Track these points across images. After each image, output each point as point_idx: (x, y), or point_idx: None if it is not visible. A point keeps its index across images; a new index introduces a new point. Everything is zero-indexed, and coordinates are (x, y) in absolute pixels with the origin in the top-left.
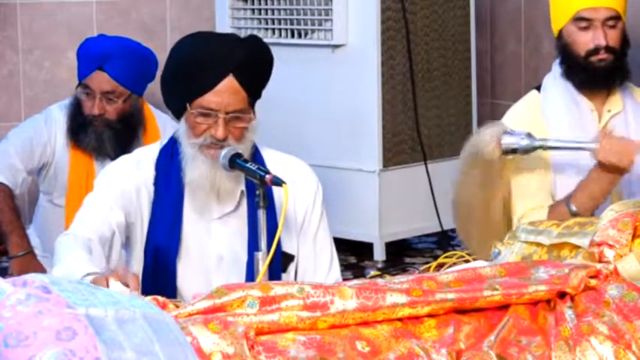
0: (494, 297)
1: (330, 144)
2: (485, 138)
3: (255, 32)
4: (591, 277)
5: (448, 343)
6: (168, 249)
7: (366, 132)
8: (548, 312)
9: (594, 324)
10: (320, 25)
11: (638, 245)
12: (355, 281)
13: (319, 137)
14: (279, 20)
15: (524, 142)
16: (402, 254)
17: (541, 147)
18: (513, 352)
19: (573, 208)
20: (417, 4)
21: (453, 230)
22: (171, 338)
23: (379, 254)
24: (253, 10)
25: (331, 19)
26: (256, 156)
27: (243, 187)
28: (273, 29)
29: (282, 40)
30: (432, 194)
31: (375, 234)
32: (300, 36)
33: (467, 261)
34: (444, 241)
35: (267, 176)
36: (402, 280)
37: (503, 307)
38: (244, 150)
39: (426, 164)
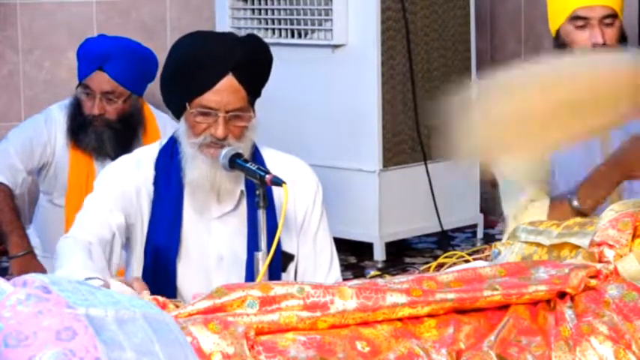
0: (494, 297)
1: (330, 144)
2: None
3: (255, 32)
4: (591, 277)
5: (448, 343)
6: (168, 249)
7: (366, 132)
8: (548, 312)
9: (594, 324)
10: (320, 25)
11: (638, 245)
12: (355, 281)
13: (319, 137)
14: (279, 20)
15: None
16: (402, 254)
17: None
18: (513, 352)
19: (575, 202)
20: (417, 4)
21: (453, 230)
22: (171, 338)
23: (379, 254)
24: (253, 10)
25: (331, 19)
26: (256, 155)
27: (242, 186)
28: (273, 29)
29: (282, 40)
30: (432, 194)
31: (375, 234)
32: (300, 36)
33: (467, 261)
34: (444, 241)
35: (267, 176)
36: (402, 280)
37: (503, 307)
38: (244, 149)
39: (426, 164)
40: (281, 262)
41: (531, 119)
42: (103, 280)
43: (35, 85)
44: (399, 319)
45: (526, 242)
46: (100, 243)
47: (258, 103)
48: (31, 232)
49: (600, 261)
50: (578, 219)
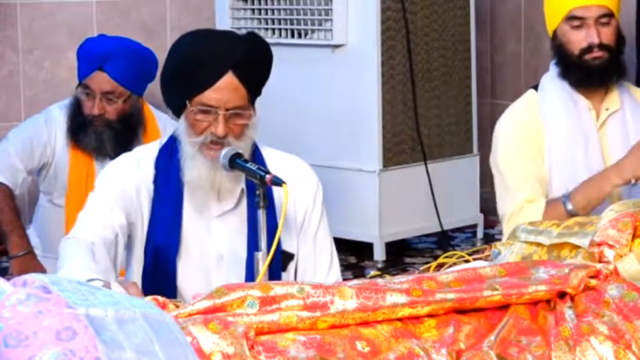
0: (494, 297)
1: (330, 144)
2: None
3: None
4: (591, 277)
5: (448, 343)
6: (168, 248)
7: (366, 132)
8: (548, 312)
9: (594, 324)
10: (320, 25)
11: (638, 245)
12: (355, 281)
13: (319, 137)
14: (279, 20)
15: None
16: (402, 254)
17: None
18: (513, 352)
19: (569, 206)
20: (417, 4)
21: (453, 230)
22: (171, 338)
23: (379, 254)
24: (253, 10)
25: (331, 19)
26: (256, 155)
27: (243, 185)
28: (273, 29)
29: (282, 40)
30: (432, 194)
31: (375, 234)
32: (300, 36)
33: (467, 261)
34: (444, 241)
35: (267, 176)
36: (402, 280)
37: (503, 307)
38: (244, 148)
39: (426, 164)
40: (281, 261)
41: None
42: (104, 282)
43: (35, 85)
44: (399, 319)
45: (526, 242)
46: (104, 243)
47: (258, 103)
48: (31, 232)
49: (600, 261)
50: (579, 219)
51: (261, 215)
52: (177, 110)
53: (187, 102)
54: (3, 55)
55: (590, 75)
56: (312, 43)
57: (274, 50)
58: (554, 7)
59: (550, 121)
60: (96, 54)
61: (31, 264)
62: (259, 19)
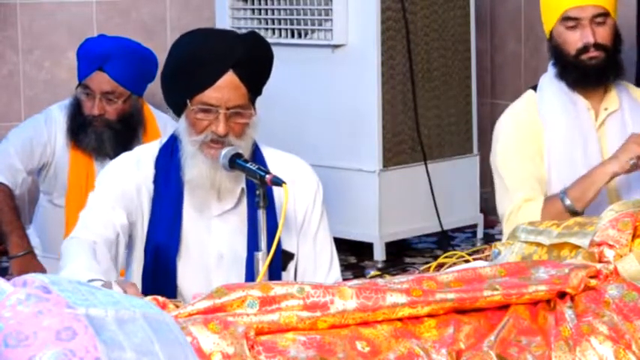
0: (494, 297)
1: (330, 144)
2: None
3: None
4: (591, 277)
5: (448, 343)
6: (168, 247)
7: (366, 132)
8: (548, 312)
9: (594, 324)
10: (320, 25)
11: (638, 245)
12: (355, 281)
13: (319, 137)
14: (279, 20)
15: None
16: (402, 254)
17: None
18: (513, 352)
19: (567, 201)
20: (417, 4)
21: (453, 230)
22: (171, 338)
23: (379, 254)
24: (253, 10)
25: (331, 19)
26: (257, 154)
27: (243, 184)
28: (273, 29)
29: (282, 40)
30: (432, 194)
31: (375, 234)
32: (300, 36)
33: (467, 261)
34: (444, 241)
35: (267, 176)
36: (402, 280)
37: (503, 307)
38: (245, 147)
39: (426, 164)
40: (281, 261)
41: None
42: (105, 282)
43: (35, 85)
44: (399, 319)
45: (526, 242)
46: (105, 243)
47: (258, 103)
48: (31, 232)
49: (600, 261)
50: (579, 219)
51: (261, 215)
52: (177, 109)
53: (188, 101)
54: (3, 55)
55: (587, 75)
56: (312, 43)
57: (274, 50)
58: (549, 8)
59: (549, 122)
60: (96, 54)
61: (31, 264)
62: (259, 19)
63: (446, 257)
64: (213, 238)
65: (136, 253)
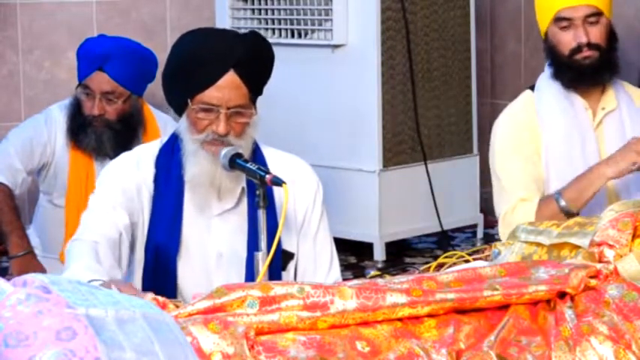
0: (494, 297)
1: (330, 144)
2: None
3: None
4: (591, 277)
5: (448, 343)
6: (168, 247)
7: (366, 132)
8: (548, 312)
9: (594, 324)
10: (320, 25)
11: (638, 245)
12: (355, 281)
13: (319, 137)
14: (279, 20)
15: None
16: (402, 254)
17: None
18: (513, 352)
19: (562, 202)
20: (417, 4)
21: (453, 230)
22: (171, 338)
23: (379, 254)
24: (253, 10)
25: (331, 19)
26: (257, 154)
27: (244, 184)
28: (273, 29)
29: (282, 40)
30: (432, 194)
31: (375, 234)
32: (300, 36)
33: (467, 261)
34: (444, 241)
35: (267, 176)
36: (402, 280)
37: (503, 307)
38: (245, 146)
39: (426, 164)
40: (281, 260)
41: None
42: (103, 282)
43: (35, 85)
44: (399, 319)
45: (526, 242)
46: (108, 243)
47: (257, 102)
48: (31, 232)
49: (600, 261)
50: (579, 219)
51: (261, 215)
52: (178, 108)
53: (189, 100)
54: (3, 55)
55: (581, 74)
56: (312, 43)
57: (274, 50)
58: (542, 9)
59: (547, 121)
60: (96, 54)
61: (31, 264)
62: (259, 19)
63: (446, 257)
64: (213, 237)
65: (136, 253)
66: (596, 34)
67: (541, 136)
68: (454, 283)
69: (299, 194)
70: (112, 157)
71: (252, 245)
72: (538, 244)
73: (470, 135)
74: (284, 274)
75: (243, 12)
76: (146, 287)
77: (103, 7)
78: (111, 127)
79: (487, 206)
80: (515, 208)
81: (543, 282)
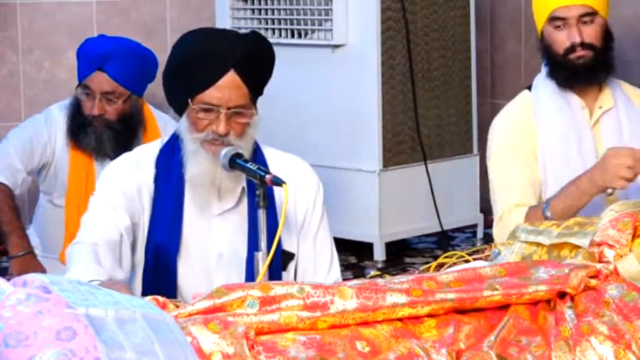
0: (494, 297)
1: (330, 144)
2: None
3: None
4: (591, 277)
5: (448, 343)
6: (168, 247)
7: (366, 132)
8: (548, 312)
9: (594, 324)
10: (320, 25)
11: (638, 245)
12: (355, 281)
13: (319, 137)
14: (279, 20)
15: None
16: (402, 254)
17: None
18: (513, 352)
19: (548, 213)
20: (417, 4)
21: (453, 230)
22: (171, 338)
23: (379, 254)
24: (253, 10)
25: (331, 19)
26: (258, 154)
27: (244, 183)
28: (273, 29)
29: (282, 40)
30: (432, 194)
31: (375, 234)
32: (300, 36)
33: (467, 261)
34: (444, 241)
35: (267, 176)
36: (402, 280)
37: (503, 307)
38: (245, 147)
39: (426, 164)
40: (281, 261)
41: None
42: (102, 281)
43: (35, 85)
44: (399, 319)
45: (526, 242)
46: (108, 245)
47: (257, 103)
48: (31, 232)
49: (600, 261)
50: (579, 219)
51: (262, 215)
52: (179, 108)
53: (189, 100)
54: (3, 55)
55: (575, 74)
56: (312, 43)
57: (274, 50)
58: (538, 8)
59: (543, 121)
60: (96, 54)
61: (31, 264)
62: (259, 19)
63: (446, 257)
64: (213, 237)
65: (137, 253)
66: (591, 33)
67: (538, 136)
68: (454, 283)
69: (299, 194)
70: (112, 157)
71: (253, 245)
72: (538, 244)
73: (470, 135)
74: (284, 274)
75: (243, 12)
76: (146, 287)
77: (103, 7)
78: (111, 127)
79: (487, 206)
80: (509, 213)
81: (543, 282)
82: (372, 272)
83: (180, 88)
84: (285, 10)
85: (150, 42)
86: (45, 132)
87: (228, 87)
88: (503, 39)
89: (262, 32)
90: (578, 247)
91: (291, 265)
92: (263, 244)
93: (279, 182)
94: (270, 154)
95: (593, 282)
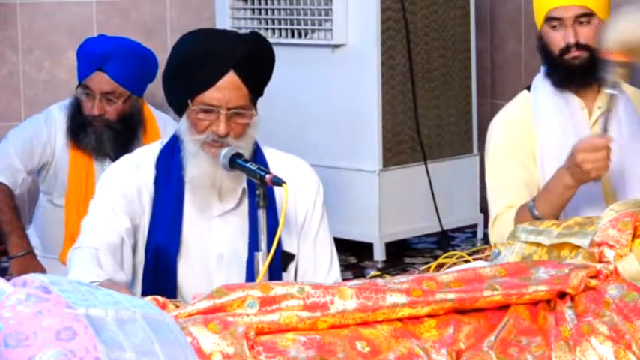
0: (494, 297)
1: (330, 144)
2: None
3: None
4: (591, 277)
5: (448, 343)
6: (168, 247)
7: (366, 132)
8: (548, 312)
9: (594, 324)
10: (320, 25)
11: (638, 245)
12: (355, 281)
13: (319, 137)
14: (279, 20)
15: None
16: (402, 254)
17: None
18: (513, 352)
19: (536, 212)
20: (417, 4)
21: (453, 230)
22: (171, 338)
23: (379, 254)
24: (253, 10)
25: (331, 19)
26: (258, 154)
27: (244, 184)
28: (273, 29)
29: (282, 40)
30: (432, 194)
31: (375, 234)
32: (300, 36)
33: (467, 261)
34: (444, 241)
35: (267, 176)
36: (402, 280)
37: (503, 307)
38: (245, 147)
39: (426, 164)
40: (281, 261)
41: None
42: (101, 282)
43: (35, 85)
44: (399, 319)
45: (526, 242)
46: (109, 248)
47: (257, 103)
48: (31, 232)
49: (600, 261)
50: (579, 219)
51: (262, 215)
52: (179, 109)
53: (189, 101)
54: (3, 55)
55: (571, 74)
56: (312, 43)
57: (274, 50)
58: (536, 8)
59: (542, 121)
60: (96, 54)
61: (31, 264)
62: (259, 19)
63: (446, 257)
64: (213, 238)
65: (137, 254)
66: (587, 34)
67: (536, 136)
68: (454, 283)
69: (299, 195)
70: (112, 157)
71: (253, 246)
72: (538, 244)
73: (470, 135)
74: (284, 274)
75: (243, 12)
76: (146, 287)
77: (103, 7)
78: (111, 127)
79: (487, 206)
80: (502, 215)
81: (543, 282)
82: (372, 272)
83: (180, 89)
84: (285, 10)
85: (150, 42)
86: (45, 132)
87: (228, 87)
88: (503, 39)
89: (262, 32)
90: (578, 247)
91: (291, 266)
92: (263, 244)
93: (279, 182)
94: (270, 154)
95: (593, 282)
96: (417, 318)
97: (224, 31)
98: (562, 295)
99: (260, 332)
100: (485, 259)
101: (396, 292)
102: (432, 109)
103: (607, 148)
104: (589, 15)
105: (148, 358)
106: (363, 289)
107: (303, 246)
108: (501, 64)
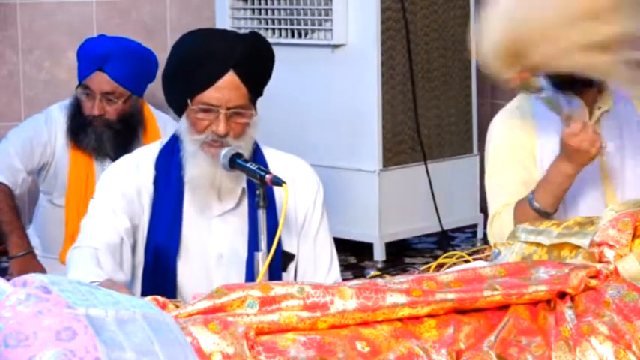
0: (494, 297)
1: (330, 144)
2: None
3: None
4: (591, 277)
5: (448, 343)
6: (168, 247)
7: (366, 132)
8: (548, 312)
9: (594, 324)
10: (320, 25)
11: (638, 245)
12: (355, 281)
13: (319, 137)
14: (279, 20)
15: None
16: (402, 254)
17: None
18: (513, 352)
19: (536, 204)
20: (417, 4)
21: (453, 230)
22: (171, 338)
23: (379, 254)
24: (253, 10)
25: (331, 19)
26: (258, 154)
27: (244, 184)
28: (273, 29)
29: (282, 40)
30: (432, 194)
31: (375, 234)
32: (300, 36)
33: (467, 261)
34: (444, 241)
35: (267, 176)
36: (402, 280)
37: (503, 307)
38: (245, 147)
39: (426, 164)
40: (281, 261)
41: (552, 20)
42: (100, 282)
43: (35, 85)
44: (399, 319)
45: (526, 242)
46: (109, 248)
47: (257, 103)
48: (31, 232)
49: (600, 261)
50: (579, 219)
51: (261, 215)
52: (178, 109)
53: (189, 101)
54: (3, 55)
55: (570, 75)
56: (312, 43)
57: (274, 50)
58: None
59: (542, 121)
60: (96, 54)
61: (31, 264)
62: (259, 19)
63: (446, 257)
64: (213, 238)
65: (137, 254)
66: None
67: (536, 136)
68: (454, 283)
69: (299, 195)
70: (112, 157)
71: (253, 246)
72: (538, 244)
73: (470, 135)
74: (284, 275)
75: (243, 12)
76: (146, 287)
77: (103, 7)
78: (111, 127)
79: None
80: (500, 213)
81: (543, 282)
82: (372, 272)
83: (180, 89)
84: (285, 10)
85: (150, 42)
86: (45, 132)
87: (227, 87)
88: None
89: (262, 32)
90: (578, 247)
91: (291, 266)
92: (263, 244)
93: (279, 182)
94: (270, 154)
95: (593, 282)
96: (417, 318)
97: (224, 31)
98: (562, 295)
99: (260, 332)
100: (485, 259)
101: (396, 292)
102: (432, 109)
103: (586, 123)
104: None
105: (147, 358)
106: (363, 289)
107: (303, 246)
108: None
